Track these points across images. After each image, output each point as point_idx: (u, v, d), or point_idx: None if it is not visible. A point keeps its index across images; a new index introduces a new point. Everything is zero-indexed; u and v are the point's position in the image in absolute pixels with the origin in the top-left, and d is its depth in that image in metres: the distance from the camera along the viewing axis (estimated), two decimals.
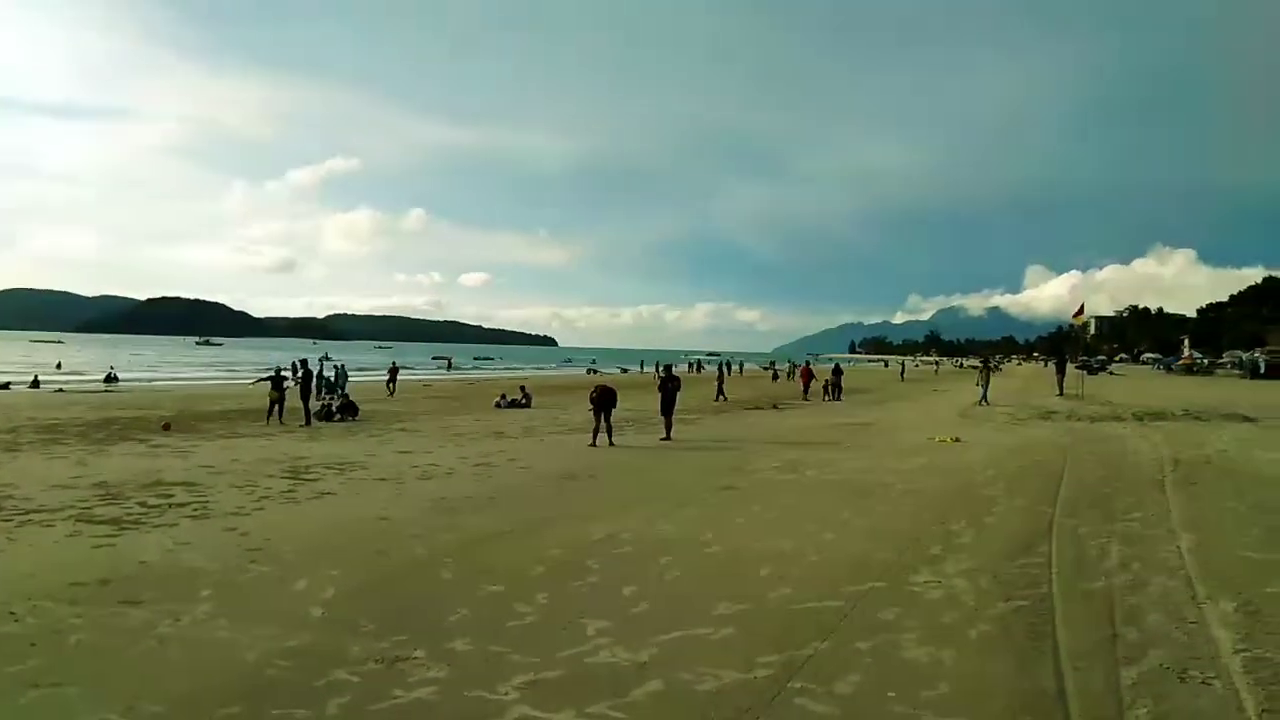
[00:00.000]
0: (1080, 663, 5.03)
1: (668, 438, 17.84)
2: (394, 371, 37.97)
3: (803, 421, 23.42)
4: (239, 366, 69.96)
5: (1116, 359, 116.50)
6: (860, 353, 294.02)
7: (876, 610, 6.06)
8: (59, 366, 55.33)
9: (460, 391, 38.19)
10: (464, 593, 6.47)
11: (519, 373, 67.85)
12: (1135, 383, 51.14)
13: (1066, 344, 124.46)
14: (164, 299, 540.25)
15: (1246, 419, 22.16)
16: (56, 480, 11.65)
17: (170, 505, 9.93)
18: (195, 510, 9.65)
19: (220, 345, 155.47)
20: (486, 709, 4.44)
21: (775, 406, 29.16)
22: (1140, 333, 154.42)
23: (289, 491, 11.02)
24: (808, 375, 36.92)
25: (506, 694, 4.60)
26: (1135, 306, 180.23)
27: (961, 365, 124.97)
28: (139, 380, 47.24)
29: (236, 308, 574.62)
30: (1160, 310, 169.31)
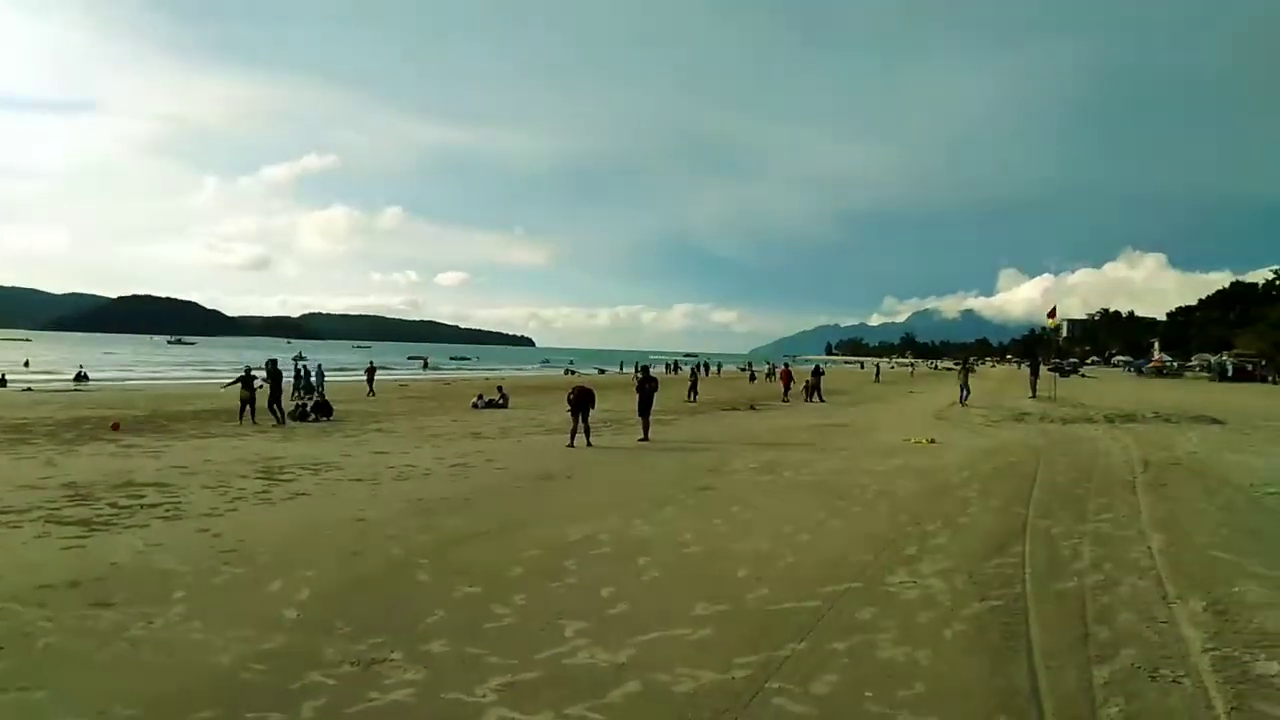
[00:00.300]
0: (1053, 662, 5.09)
1: (645, 438, 17.84)
2: (371, 371, 37.72)
3: (779, 422, 23.52)
4: (212, 366, 69.10)
5: (1088, 361, 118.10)
6: (837, 354, 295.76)
7: (853, 610, 6.09)
8: (27, 365, 54.44)
9: (437, 392, 38.00)
10: (441, 594, 6.44)
11: (496, 373, 67.63)
12: (1107, 385, 51.87)
13: (1039, 346, 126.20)
14: (135, 297, 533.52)
15: (1215, 421, 22.53)
16: (24, 481, 11.45)
17: (141, 506, 9.78)
18: (167, 511, 9.52)
19: (193, 344, 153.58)
20: (464, 711, 4.41)
21: (752, 407, 29.25)
22: (1111, 335, 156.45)
23: (263, 492, 10.90)
24: (787, 377, 37.06)
25: (484, 696, 4.58)
26: (1107, 310, 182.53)
27: (936, 367, 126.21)
28: (110, 379, 46.52)
29: (209, 306, 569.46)
30: (1131, 313, 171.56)
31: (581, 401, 16.78)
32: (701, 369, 60.36)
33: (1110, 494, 10.98)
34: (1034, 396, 33.10)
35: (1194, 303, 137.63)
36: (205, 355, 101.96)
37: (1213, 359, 77.30)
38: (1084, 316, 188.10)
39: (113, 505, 9.80)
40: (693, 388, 33.70)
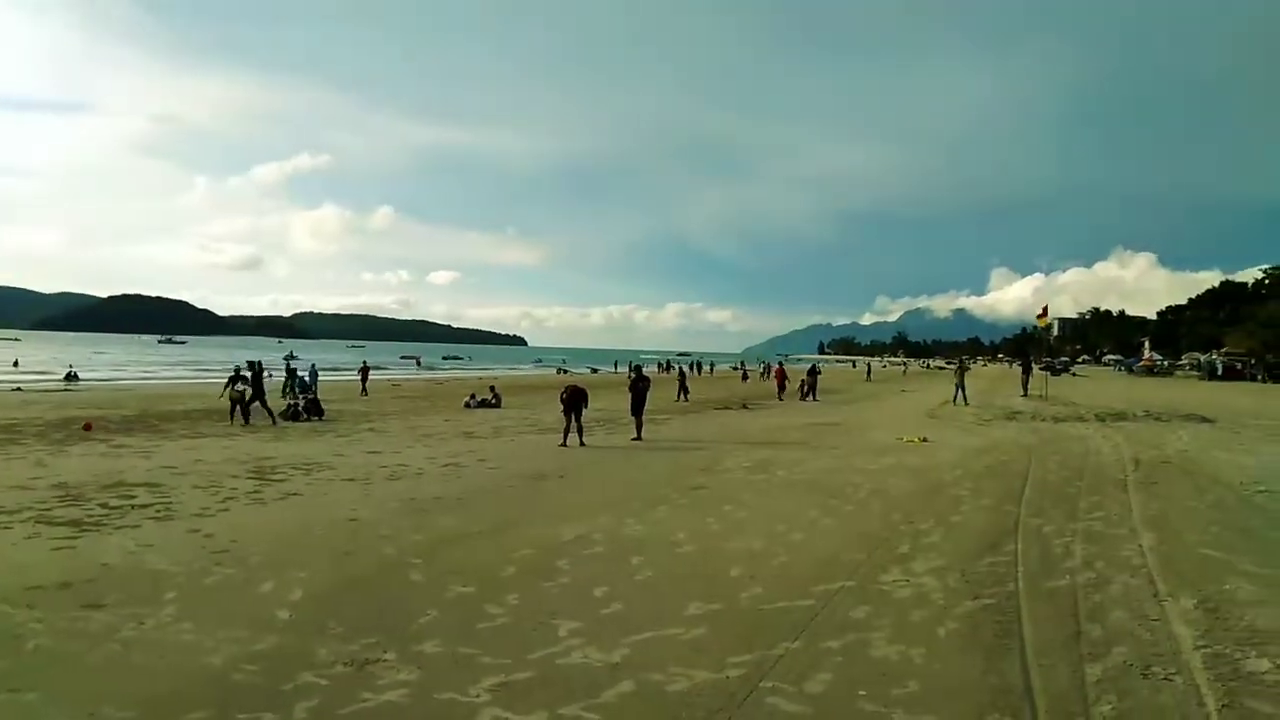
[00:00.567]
0: (1046, 659, 5.11)
1: (638, 438, 17.85)
2: (365, 371, 37.60)
3: (772, 421, 23.54)
4: (203, 366, 68.78)
5: (1079, 360, 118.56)
6: (829, 353, 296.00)
7: (847, 609, 6.10)
8: (16, 364, 54.05)
9: (429, 391, 37.92)
10: (434, 594, 6.43)
11: (489, 372, 67.49)
12: (1097, 384, 52.11)
13: (1031, 345, 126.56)
14: (126, 297, 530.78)
15: (1205, 420, 22.68)
16: (14, 481, 11.38)
17: (132, 506, 9.74)
18: (158, 511, 9.48)
19: (184, 344, 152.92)
20: (457, 711, 4.41)
21: (745, 406, 29.27)
22: (1102, 334, 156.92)
23: (255, 492, 10.86)
24: (782, 375, 37.09)
25: (477, 696, 4.57)
26: (1097, 309, 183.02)
27: (928, 366, 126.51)
28: (100, 379, 46.27)
29: (200, 305, 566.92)
30: (1122, 312, 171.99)
31: (574, 401, 16.77)
32: (694, 368, 60.27)
33: (1102, 492, 11.03)
34: (1026, 395, 33.24)
35: (1184, 302, 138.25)
36: (196, 355, 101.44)
37: (1202, 358, 77.78)
38: (1075, 315, 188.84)
39: (103, 506, 9.75)
40: (682, 387, 33.55)
